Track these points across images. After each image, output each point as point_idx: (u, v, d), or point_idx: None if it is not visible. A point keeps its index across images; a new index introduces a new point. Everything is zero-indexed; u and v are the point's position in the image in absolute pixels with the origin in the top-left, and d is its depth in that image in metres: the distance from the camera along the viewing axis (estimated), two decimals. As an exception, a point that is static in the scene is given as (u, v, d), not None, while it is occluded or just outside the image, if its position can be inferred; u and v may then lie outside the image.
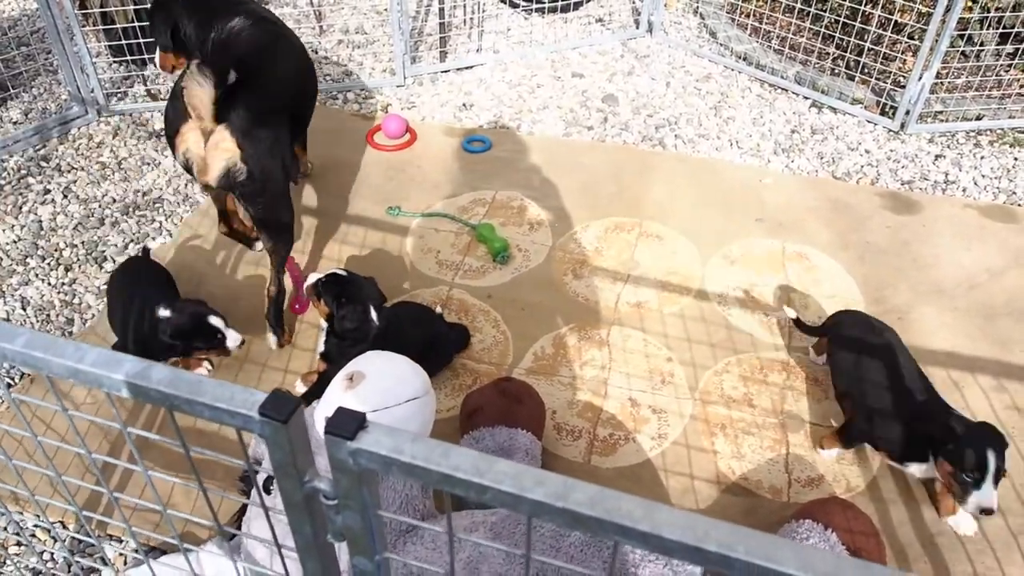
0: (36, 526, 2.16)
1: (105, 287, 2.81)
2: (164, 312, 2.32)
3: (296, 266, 2.90)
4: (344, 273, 2.38)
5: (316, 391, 2.24)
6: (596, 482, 2.48)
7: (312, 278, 2.38)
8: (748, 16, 4.46)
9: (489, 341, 2.67)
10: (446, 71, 4.11)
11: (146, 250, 2.80)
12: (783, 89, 4.04)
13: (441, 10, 4.15)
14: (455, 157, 3.52)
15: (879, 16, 3.78)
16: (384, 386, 1.66)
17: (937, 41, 3.45)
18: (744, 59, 4.22)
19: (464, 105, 3.88)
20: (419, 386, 1.66)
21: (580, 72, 4.18)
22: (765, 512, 2.21)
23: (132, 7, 3.58)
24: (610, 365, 2.60)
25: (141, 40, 3.67)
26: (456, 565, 1.52)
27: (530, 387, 2.24)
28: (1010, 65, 3.97)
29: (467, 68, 4.15)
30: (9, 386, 2.49)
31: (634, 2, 4.83)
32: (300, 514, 0.87)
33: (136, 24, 3.64)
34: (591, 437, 2.39)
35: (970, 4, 3.74)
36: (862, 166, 3.53)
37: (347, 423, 0.76)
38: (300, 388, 2.47)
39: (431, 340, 2.49)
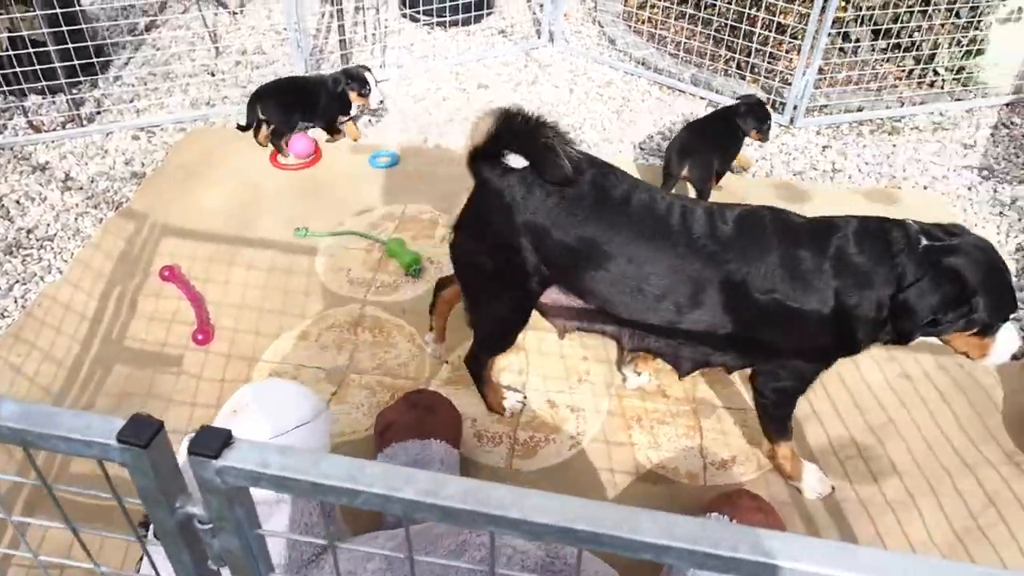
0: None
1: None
2: None
3: (198, 294, 2.82)
4: None
5: None
6: (519, 485, 2.47)
7: None
8: (644, 23, 4.58)
9: (405, 356, 2.64)
10: (348, 88, 4.08)
11: None
12: (681, 91, 4.16)
13: (341, 27, 4.12)
14: (362, 174, 3.49)
15: (763, 18, 3.93)
16: (269, 416, 1.61)
17: (816, 40, 3.60)
18: (643, 64, 4.32)
19: (370, 121, 3.86)
20: (307, 411, 1.62)
21: (485, 83, 4.21)
22: (685, 497, 2.26)
23: (6, 35, 3.44)
24: (527, 368, 2.61)
25: (18, 69, 3.53)
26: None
27: (441, 396, 2.22)
28: (886, 59, 4.18)
29: (370, 84, 4.12)
30: None
31: (535, 13, 4.89)
32: (176, 542, 0.84)
33: (11, 52, 3.50)
34: (512, 442, 2.39)
35: (844, 4, 3.94)
36: (757, 160, 3.65)
37: (210, 441, 0.74)
38: None
39: None
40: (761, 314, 1.87)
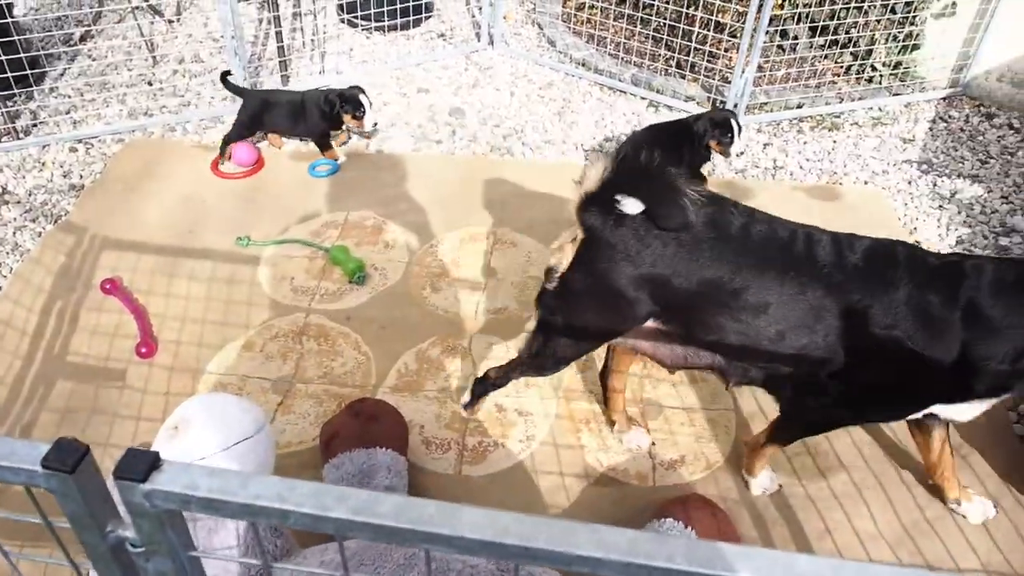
0: None
1: None
2: None
3: (140, 307, 2.76)
4: None
5: None
6: (469, 491, 2.45)
7: None
8: (583, 24, 4.62)
9: (351, 364, 2.63)
10: (289, 95, 4.04)
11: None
12: (621, 91, 4.21)
13: (278, 33, 4.07)
14: (304, 181, 3.46)
15: (701, 17, 4.01)
16: (210, 431, 1.60)
17: (754, 38, 3.69)
18: (583, 65, 4.37)
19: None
20: (248, 426, 1.61)
21: (426, 87, 4.20)
22: (634, 499, 2.29)
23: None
24: (475, 374, 2.62)
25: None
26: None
27: (385, 404, 2.22)
28: (824, 56, 4.29)
29: (311, 90, 4.09)
30: None
31: (474, 16, 4.90)
32: (109, 567, 0.83)
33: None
34: (460, 447, 2.40)
35: (781, 2, 4.03)
36: (699, 159, 3.72)
37: (136, 464, 0.73)
38: None
39: None
40: (877, 349, 1.79)
